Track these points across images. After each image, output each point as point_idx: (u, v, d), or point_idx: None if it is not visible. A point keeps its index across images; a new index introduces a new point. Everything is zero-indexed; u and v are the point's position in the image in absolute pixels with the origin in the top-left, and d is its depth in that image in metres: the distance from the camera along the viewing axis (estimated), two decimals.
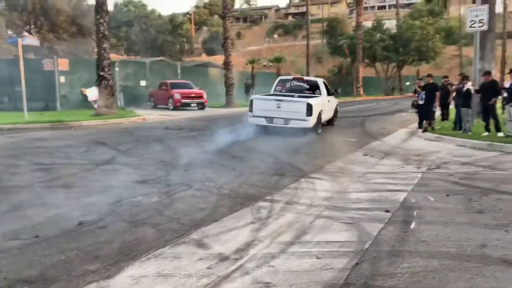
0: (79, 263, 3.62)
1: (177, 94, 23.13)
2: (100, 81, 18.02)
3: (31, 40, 17.87)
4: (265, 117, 12.37)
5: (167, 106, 23.61)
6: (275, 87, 14.86)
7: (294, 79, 15.31)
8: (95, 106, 19.38)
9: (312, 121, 12.10)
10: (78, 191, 5.97)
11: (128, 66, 26.30)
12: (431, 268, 3.49)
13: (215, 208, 5.33)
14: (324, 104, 13.60)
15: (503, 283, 3.20)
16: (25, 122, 14.74)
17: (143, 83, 26.49)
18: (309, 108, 11.90)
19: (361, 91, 45.83)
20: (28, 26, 36.85)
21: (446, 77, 15.55)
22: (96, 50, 19.47)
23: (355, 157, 9.40)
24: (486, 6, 13.17)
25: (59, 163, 7.91)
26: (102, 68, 17.88)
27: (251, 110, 12.75)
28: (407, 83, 58.68)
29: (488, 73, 11.77)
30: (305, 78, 15.85)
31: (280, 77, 16.33)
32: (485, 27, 13.24)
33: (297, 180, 6.96)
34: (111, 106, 18.15)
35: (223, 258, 3.81)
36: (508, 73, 10.96)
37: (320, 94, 13.79)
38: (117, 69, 24.06)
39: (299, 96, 13.04)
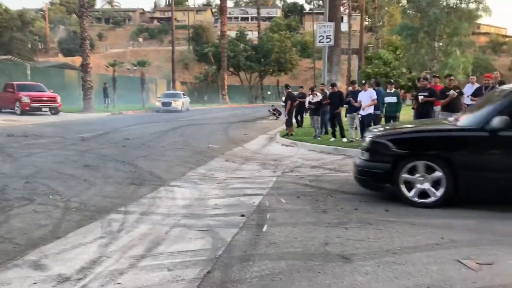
0: None
1: (25, 97, 20.85)
2: None
3: None
4: None
5: (13, 111, 21.13)
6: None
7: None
8: None
9: None
10: None
11: None
12: (279, 270, 3.62)
13: (59, 224, 4.82)
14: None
15: (340, 278, 3.46)
16: None
17: None
18: None
19: (227, 99, 47.09)
20: None
21: (301, 87, 16.84)
22: None
23: (216, 163, 9.49)
24: (332, 24, 14.60)
25: None
26: None
27: None
28: (269, 92, 62.19)
29: (334, 84, 13.02)
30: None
31: None
32: (331, 43, 14.66)
33: (156, 189, 6.72)
34: None
35: (63, 279, 3.43)
36: (351, 83, 12.26)
37: None
38: None
39: None
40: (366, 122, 10.81)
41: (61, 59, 59.49)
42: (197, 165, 9.01)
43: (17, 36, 55.67)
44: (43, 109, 21.57)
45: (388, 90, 11.50)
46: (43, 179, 6.95)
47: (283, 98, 14.86)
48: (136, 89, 33.91)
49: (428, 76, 13.45)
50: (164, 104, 28.55)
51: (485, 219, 5.11)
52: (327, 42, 14.54)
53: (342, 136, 12.37)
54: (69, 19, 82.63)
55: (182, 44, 72.85)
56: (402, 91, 29.05)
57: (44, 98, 21.73)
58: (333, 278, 3.46)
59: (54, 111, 22.02)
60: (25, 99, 20.84)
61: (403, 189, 5.54)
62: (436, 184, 5.39)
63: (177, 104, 28.87)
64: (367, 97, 10.83)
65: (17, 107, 20.95)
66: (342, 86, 18.84)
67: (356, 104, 10.97)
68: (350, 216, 5.20)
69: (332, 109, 12.57)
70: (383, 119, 11.61)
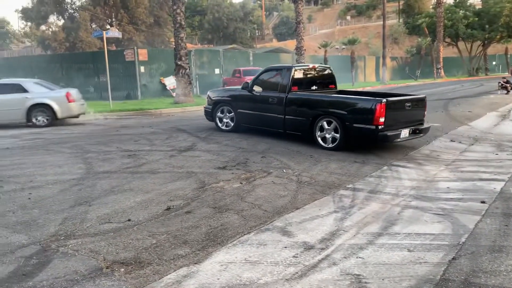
0: (169, 247, 3.75)
1: (250, 81, 23.32)
2: (177, 70, 18.63)
3: (114, 32, 18.82)
4: None
5: None
6: None
7: None
8: (173, 94, 20.11)
9: None
10: (163, 176, 6.20)
11: (203, 55, 26.92)
12: None
13: (295, 195, 5.27)
14: None
15: None
16: (110, 110, 15.69)
17: (217, 71, 27.02)
18: None
19: (442, 73, 43.15)
20: (109, 19, 39.09)
21: None
22: (172, 40, 20.13)
23: (440, 143, 8.86)
24: None
25: (144, 149, 8.29)
26: (180, 57, 18.46)
27: None
28: (494, 63, 54.37)
29: None
30: None
31: None
32: None
33: (380, 168, 6.69)
34: (188, 94, 18.74)
35: (308, 247, 3.75)
36: None
37: None
38: (193, 58, 24.75)
39: None
40: None
41: (275, 44, 64.38)
42: (418, 145, 8.58)
43: (239, 26, 62.70)
44: None
45: None
46: (275, 154, 7.69)
47: None
48: (344, 68, 34.13)
49: None
50: None
51: None
52: None
53: None
54: (281, 5, 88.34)
55: (391, 18, 69.60)
56: None
57: None
58: None
59: None
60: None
61: (218, 121, 10.24)
62: (232, 119, 9.99)
63: None
64: None
65: None
66: None
67: None
68: None
69: None
70: None
